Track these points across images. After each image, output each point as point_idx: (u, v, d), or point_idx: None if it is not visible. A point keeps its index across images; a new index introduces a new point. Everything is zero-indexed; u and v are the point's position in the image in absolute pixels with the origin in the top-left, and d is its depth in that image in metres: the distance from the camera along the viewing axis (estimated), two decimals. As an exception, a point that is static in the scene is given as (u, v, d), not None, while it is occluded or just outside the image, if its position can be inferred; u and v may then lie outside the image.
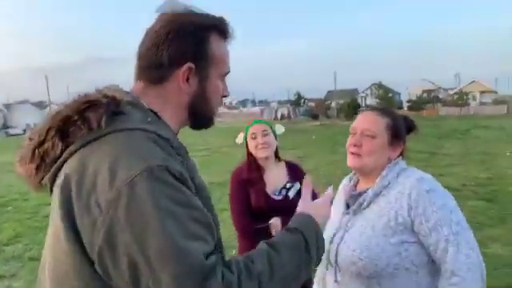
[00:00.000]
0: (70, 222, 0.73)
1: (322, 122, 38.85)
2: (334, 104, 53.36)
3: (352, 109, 39.11)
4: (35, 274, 0.85)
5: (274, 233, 2.01)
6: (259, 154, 2.21)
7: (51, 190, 0.81)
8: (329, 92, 67.95)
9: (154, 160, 0.72)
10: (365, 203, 1.37)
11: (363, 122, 1.41)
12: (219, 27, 0.92)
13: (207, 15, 0.92)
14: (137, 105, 0.85)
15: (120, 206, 0.68)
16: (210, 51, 0.90)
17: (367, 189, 1.39)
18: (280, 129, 2.39)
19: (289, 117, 53.08)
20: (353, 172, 1.53)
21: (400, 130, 1.42)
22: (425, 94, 56.48)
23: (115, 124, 0.78)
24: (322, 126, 30.09)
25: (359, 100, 54.59)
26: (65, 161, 0.78)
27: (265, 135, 2.21)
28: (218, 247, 0.80)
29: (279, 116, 52.65)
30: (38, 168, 0.81)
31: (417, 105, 49.34)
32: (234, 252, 3.11)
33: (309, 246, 0.84)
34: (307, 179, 1.07)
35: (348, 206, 1.45)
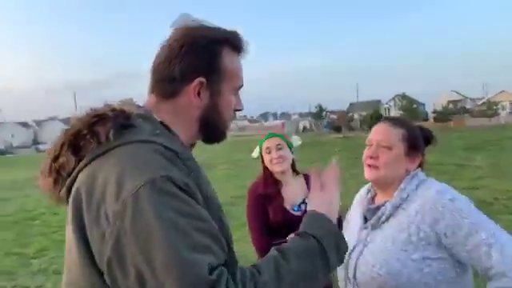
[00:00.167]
0: (80, 233, 0.74)
1: (344, 134, 38.37)
2: (356, 116, 52.77)
3: (375, 120, 37.73)
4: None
5: None
6: (274, 168, 2.17)
7: (68, 203, 0.82)
8: (351, 104, 67.40)
9: (157, 171, 0.72)
10: (383, 217, 1.33)
11: (378, 133, 1.39)
12: (232, 41, 0.92)
13: (220, 29, 0.92)
14: (148, 118, 0.86)
15: (126, 217, 0.68)
16: (222, 65, 0.90)
17: (385, 202, 1.36)
18: (297, 141, 2.34)
19: (311, 129, 52.80)
20: (370, 184, 1.50)
21: (417, 140, 1.39)
22: (451, 105, 55.13)
23: (124, 137, 0.79)
24: (345, 139, 29.69)
25: (382, 111, 53.75)
26: (78, 174, 0.80)
27: (279, 149, 2.17)
28: (231, 260, 0.79)
29: (301, 129, 52.44)
30: (55, 182, 0.83)
31: (443, 116, 48.11)
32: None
33: (325, 250, 0.81)
34: (315, 169, 1.00)
35: (366, 220, 1.42)
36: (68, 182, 0.81)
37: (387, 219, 1.33)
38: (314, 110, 60.68)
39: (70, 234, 0.77)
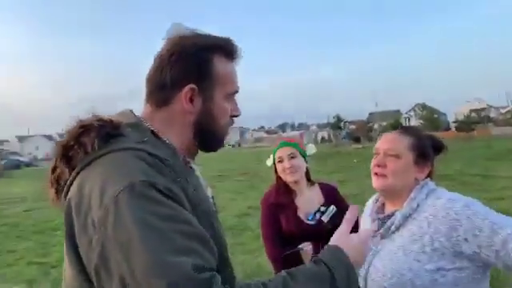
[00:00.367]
0: (71, 241, 0.76)
1: (364, 144, 37.92)
2: (376, 126, 52.11)
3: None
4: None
5: (305, 259, 1.91)
6: (287, 178, 2.13)
7: None
8: (370, 114, 66.68)
9: (137, 176, 0.72)
10: (393, 227, 1.31)
11: (385, 142, 1.38)
12: (224, 47, 0.93)
13: (211, 36, 0.93)
14: (137, 126, 0.87)
15: (108, 223, 0.69)
16: (213, 71, 0.91)
17: (395, 211, 1.34)
18: (311, 149, 2.30)
19: (329, 140, 52.39)
20: (377, 194, 1.48)
21: (426, 149, 1.37)
22: (473, 114, 53.78)
23: (112, 145, 0.80)
24: (364, 149, 29.32)
25: (402, 121, 52.91)
26: (71, 184, 0.81)
27: (291, 158, 2.12)
28: (224, 266, 0.77)
29: (319, 139, 52.10)
30: (56, 192, 0.86)
31: (465, 125, 46.96)
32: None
33: (336, 281, 0.79)
34: (354, 207, 0.98)
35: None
36: (64, 191, 0.83)
37: (397, 229, 1.31)
38: (332, 121, 60.35)
39: (64, 243, 0.80)
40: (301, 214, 2.09)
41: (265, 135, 66.22)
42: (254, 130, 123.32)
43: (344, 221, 0.95)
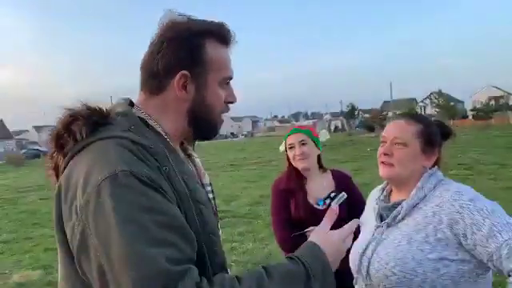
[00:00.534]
0: (60, 228, 0.78)
1: (377, 133, 37.47)
2: (390, 114, 51.37)
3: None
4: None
5: None
6: (297, 164, 2.11)
7: None
8: (385, 102, 65.75)
9: (118, 165, 0.73)
10: (399, 216, 1.30)
11: (392, 130, 1.36)
12: (217, 33, 0.91)
13: (204, 21, 0.91)
14: (126, 114, 0.87)
15: (89, 211, 0.71)
16: (206, 57, 0.89)
17: (401, 200, 1.33)
18: (325, 135, 2.29)
19: (343, 129, 51.99)
20: (385, 182, 1.46)
21: (433, 136, 1.34)
22: (492, 102, 52.47)
23: (100, 134, 0.81)
24: (378, 138, 28.86)
25: (417, 110, 51.99)
26: (63, 171, 0.83)
27: (302, 145, 2.10)
28: (214, 254, 0.80)
29: (333, 128, 51.75)
30: (57, 178, 0.87)
31: (483, 113, 45.87)
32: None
33: (310, 278, 0.79)
34: (333, 208, 0.99)
35: (381, 218, 1.38)
36: (58, 178, 0.84)
37: (403, 218, 1.30)
38: (346, 110, 59.74)
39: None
40: (311, 200, 2.08)
41: (277, 124, 65.88)
42: (266, 119, 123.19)
43: (324, 218, 0.95)
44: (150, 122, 0.88)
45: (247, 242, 5.44)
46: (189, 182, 0.84)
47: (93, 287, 0.73)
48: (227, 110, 0.97)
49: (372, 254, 1.30)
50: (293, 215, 2.06)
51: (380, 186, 1.51)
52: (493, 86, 60.34)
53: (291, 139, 2.13)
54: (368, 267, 1.29)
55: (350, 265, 1.38)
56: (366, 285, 1.31)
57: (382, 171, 1.35)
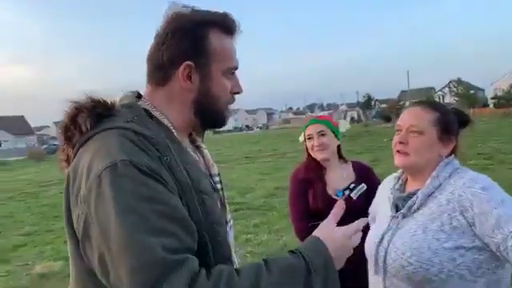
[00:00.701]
0: (69, 221, 0.80)
1: (394, 123, 36.86)
2: (407, 104, 50.46)
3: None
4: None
5: None
6: (316, 155, 2.09)
7: None
8: (402, 92, 64.52)
9: (118, 155, 0.74)
10: (415, 206, 1.28)
11: (408, 118, 1.33)
12: (221, 23, 0.91)
13: (208, 12, 0.91)
14: (131, 106, 0.88)
15: (91, 200, 0.72)
16: (210, 47, 0.89)
17: (417, 190, 1.30)
18: (345, 125, 2.22)
19: (359, 120, 51.35)
20: (401, 171, 1.43)
21: (450, 124, 1.31)
22: (514, 89, 50.78)
23: (104, 125, 0.83)
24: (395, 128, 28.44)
25: (436, 99, 50.87)
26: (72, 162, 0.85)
27: (321, 135, 2.07)
28: (218, 245, 0.80)
29: (349, 119, 51.15)
30: None
31: (505, 101, 44.53)
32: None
33: (311, 272, 0.76)
34: (340, 202, 0.95)
35: (397, 208, 1.36)
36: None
37: (419, 207, 1.27)
38: (362, 100, 58.92)
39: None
40: (329, 191, 2.05)
41: (293, 116, 65.52)
42: (281, 111, 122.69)
43: (331, 214, 0.93)
44: (154, 113, 0.89)
45: (262, 234, 5.45)
46: (191, 171, 0.84)
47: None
48: (233, 100, 0.96)
49: (388, 245, 1.28)
50: (311, 206, 2.04)
51: (394, 174, 1.49)
52: (514, 72, 58.35)
53: (310, 130, 2.11)
54: (385, 257, 1.28)
55: (367, 255, 1.37)
56: (383, 275, 1.29)
57: (398, 160, 1.32)
